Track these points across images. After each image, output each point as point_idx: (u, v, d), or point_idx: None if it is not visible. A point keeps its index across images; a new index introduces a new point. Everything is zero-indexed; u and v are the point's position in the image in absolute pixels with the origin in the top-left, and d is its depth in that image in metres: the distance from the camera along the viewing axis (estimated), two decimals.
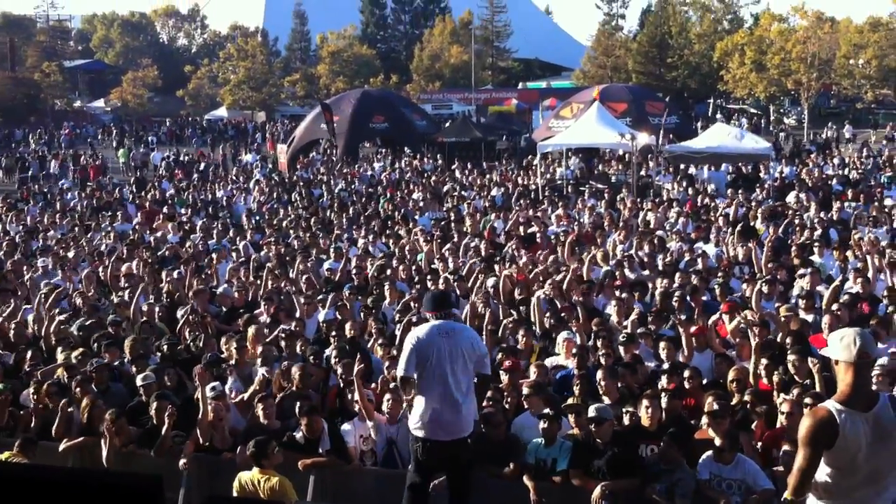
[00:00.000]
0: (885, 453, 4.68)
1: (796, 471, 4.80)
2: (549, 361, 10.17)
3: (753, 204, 21.30)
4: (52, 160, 43.46)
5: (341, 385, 9.58)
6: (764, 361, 9.03)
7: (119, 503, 2.04)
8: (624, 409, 8.27)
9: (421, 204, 24.11)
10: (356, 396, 8.77)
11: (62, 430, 8.92)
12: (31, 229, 22.24)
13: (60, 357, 10.42)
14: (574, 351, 9.91)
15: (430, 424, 7.01)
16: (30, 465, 8.00)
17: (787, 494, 4.85)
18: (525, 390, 8.69)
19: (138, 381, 9.42)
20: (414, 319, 10.30)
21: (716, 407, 7.90)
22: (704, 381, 9.26)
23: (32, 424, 9.19)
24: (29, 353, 10.78)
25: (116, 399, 9.44)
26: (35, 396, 9.49)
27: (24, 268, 16.37)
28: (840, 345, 4.75)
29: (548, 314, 11.52)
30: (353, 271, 15.11)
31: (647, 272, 14.31)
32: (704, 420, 8.09)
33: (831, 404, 4.76)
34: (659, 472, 7.58)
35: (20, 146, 54.51)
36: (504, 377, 9.29)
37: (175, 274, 14.55)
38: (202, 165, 41.07)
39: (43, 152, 47.81)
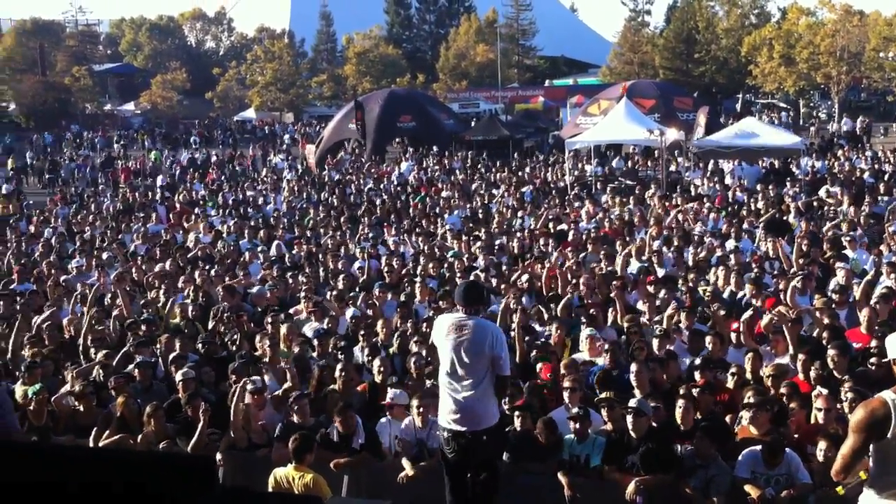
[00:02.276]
0: None
1: (841, 454, 4.79)
2: (573, 357, 10.17)
3: (786, 199, 21.13)
4: (84, 163, 43.91)
5: (374, 382, 9.66)
6: (801, 357, 8.97)
7: (174, 482, 2.08)
8: (653, 405, 8.25)
9: (450, 202, 24.14)
10: (388, 396, 8.85)
11: (99, 429, 9.02)
12: (65, 231, 22.46)
13: (97, 356, 10.53)
14: (599, 347, 9.91)
15: (445, 414, 7.02)
16: (87, 446, 8.15)
17: (832, 473, 4.91)
18: (567, 384, 8.67)
19: (177, 377, 9.50)
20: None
21: (754, 401, 7.87)
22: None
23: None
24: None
25: (157, 397, 9.53)
26: (72, 396, 9.61)
27: (55, 270, 16.55)
28: None
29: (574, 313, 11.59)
30: (385, 269, 15.20)
31: (675, 268, 14.29)
32: (743, 417, 8.04)
33: (888, 394, 4.73)
34: (694, 467, 7.55)
35: (51, 150, 55.02)
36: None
37: (207, 274, 14.68)
38: (233, 165, 41.36)
39: (74, 155, 48.29)
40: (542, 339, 10.81)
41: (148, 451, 3.97)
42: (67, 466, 2.22)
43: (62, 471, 2.21)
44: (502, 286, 13.37)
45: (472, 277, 13.31)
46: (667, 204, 21.23)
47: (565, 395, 8.64)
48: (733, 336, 10.31)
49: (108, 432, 8.92)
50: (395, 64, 74.48)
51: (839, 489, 5.15)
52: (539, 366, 9.65)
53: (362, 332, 11.20)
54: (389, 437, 8.62)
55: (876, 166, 28.52)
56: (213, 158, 43.74)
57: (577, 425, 7.98)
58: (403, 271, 15.13)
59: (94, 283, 14.76)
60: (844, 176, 25.56)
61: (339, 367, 9.65)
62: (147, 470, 2.23)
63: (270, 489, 7.37)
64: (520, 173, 31.45)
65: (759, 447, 7.41)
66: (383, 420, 8.80)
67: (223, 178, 36.05)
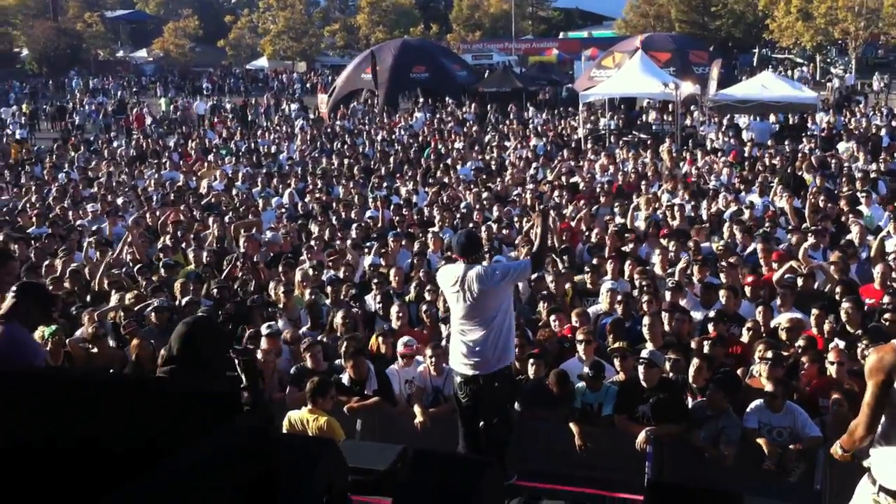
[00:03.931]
0: None
1: (863, 406, 4.79)
2: (592, 310, 10.21)
3: (801, 155, 21.01)
4: (96, 109, 43.87)
5: (386, 329, 9.73)
6: (815, 311, 8.99)
7: (203, 411, 2.12)
8: (666, 357, 8.29)
9: (462, 154, 24.07)
10: (399, 342, 8.93)
11: (115, 371, 9.12)
12: (82, 176, 22.52)
13: (114, 300, 10.61)
14: (619, 299, 9.94)
15: (457, 358, 7.09)
16: (117, 373, 8.25)
17: (854, 432, 4.87)
18: (580, 336, 8.73)
19: None
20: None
21: (769, 354, 7.89)
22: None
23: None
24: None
25: None
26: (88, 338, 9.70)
27: (71, 213, 16.62)
28: None
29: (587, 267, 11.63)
30: (396, 219, 15.24)
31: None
32: (755, 369, 8.09)
33: None
34: (704, 418, 7.60)
35: (64, 95, 54.97)
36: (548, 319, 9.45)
37: (221, 220, 14.74)
38: (245, 113, 41.28)
39: (86, 101, 48.24)
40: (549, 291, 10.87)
41: (174, 380, 3.98)
42: (95, 393, 2.26)
43: (89, 398, 2.24)
44: (515, 238, 13.42)
45: (482, 230, 13.35)
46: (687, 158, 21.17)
47: (579, 347, 8.65)
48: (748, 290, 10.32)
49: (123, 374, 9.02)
50: (409, 14, 73.81)
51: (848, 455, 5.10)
52: (553, 318, 9.68)
53: (375, 281, 11.25)
54: (400, 384, 8.71)
55: (893, 123, 28.27)
56: (228, 106, 43.68)
57: (592, 374, 8.05)
58: (416, 220, 15.17)
59: (102, 227, 14.89)
60: (860, 132, 25.36)
61: (340, 314, 9.69)
62: (173, 398, 2.27)
63: (285, 431, 7.46)
64: (532, 125, 31.31)
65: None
66: (393, 367, 8.88)
67: (236, 125, 36.00)
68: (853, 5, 52.37)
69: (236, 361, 5.01)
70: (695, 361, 8.05)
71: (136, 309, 10.28)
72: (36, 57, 71.64)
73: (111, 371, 9.03)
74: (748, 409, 7.58)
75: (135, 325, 9.77)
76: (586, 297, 10.95)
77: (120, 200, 17.54)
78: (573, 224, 13.95)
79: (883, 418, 4.77)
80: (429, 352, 8.67)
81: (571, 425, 7.88)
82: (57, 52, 69.70)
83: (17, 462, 2.14)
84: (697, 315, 9.88)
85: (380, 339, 9.47)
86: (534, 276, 10.84)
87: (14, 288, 6.06)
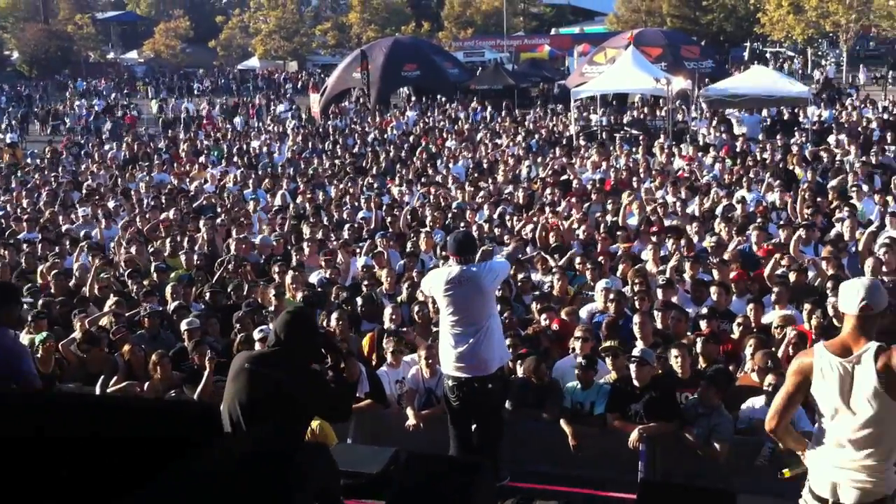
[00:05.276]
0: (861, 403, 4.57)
1: (777, 397, 4.95)
2: (586, 308, 10.21)
3: (794, 149, 21.03)
4: (88, 111, 43.77)
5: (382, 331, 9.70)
6: (807, 306, 8.99)
7: (178, 429, 2.10)
8: (657, 354, 8.29)
9: (455, 152, 24.05)
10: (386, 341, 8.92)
11: (107, 377, 9.08)
12: (72, 180, 22.45)
13: (108, 305, 10.58)
14: (611, 297, 9.94)
15: (449, 362, 7.06)
16: (85, 393, 8.22)
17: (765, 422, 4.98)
18: (578, 333, 8.71)
19: (182, 326, 9.55)
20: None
21: (761, 353, 7.90)
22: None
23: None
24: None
25: (164, 346, 9.59)
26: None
27: (61, 218, 16.57)
28: (845, 295, 4.67)
29: (579, 260, 11.62)
30: (388, 220, 15.22)
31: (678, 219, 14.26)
32: (747, 366, 8.09)
33: (819, 346, 4.75)
34: (697, 415, 7.60)
35: (54, 98, 54.85)
36: (539, 318, 9.44)
37: (212, 223, 14.70)
38: (237, 114, 41.21)
39: (77, 104, 48.14)
40: (543, 290, 10.87)
41: (148, 398, 4.19)
42: (64, 415, 2.23)
43: (59, 419, 2.22)
44: (506, 237, 13.41)
45: (474, 229, 13.34)
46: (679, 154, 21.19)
47: (577, 344, 8.59)
48: (735, 286, 10.33)
49: (114, 380, 9.00)
50: (400, 12, 73.70)
51: (786, 472, 5.16)
52: (544, 316, 9.67)
53: (365, 283, 11.22)
54: (390, 385, 8.69)
55: (885, 116, 28.32)
56: (217, 108, 43.60)
57: (582, 371, 8.04)
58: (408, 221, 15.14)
59: (93, 232, 14.86)
60: (851, 125, 25.39)
61: (334, 315, 9.65)
62: (147, 417, 2.24)
63: None
64: (525, 123, 31.31)
65: (762, 396, 7.47)
66: (383, 368, 8.85)
67: (227, 127, 35.94)
68: None
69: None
70: (674, 352, 8.07)
71: (126, 315, 10.27)
72: (26, 59, 71.47)
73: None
74: (743, 407, 7.59)
75: (125, 330, 9.76)
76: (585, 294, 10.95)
77: (111, 204, 17.48)
78: (565, 222, 13.94)
79: (815, 426, 4.86)
80: (423, 352, 8.64)
81: (564, 425, 7.85)
82: (48, 55, 69.55)
83: None
84: (689, 311, 9.89)
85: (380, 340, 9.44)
86: (521, 276, 10.91)
87: None
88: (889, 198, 14.63)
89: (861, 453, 4.60)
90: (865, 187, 15.44)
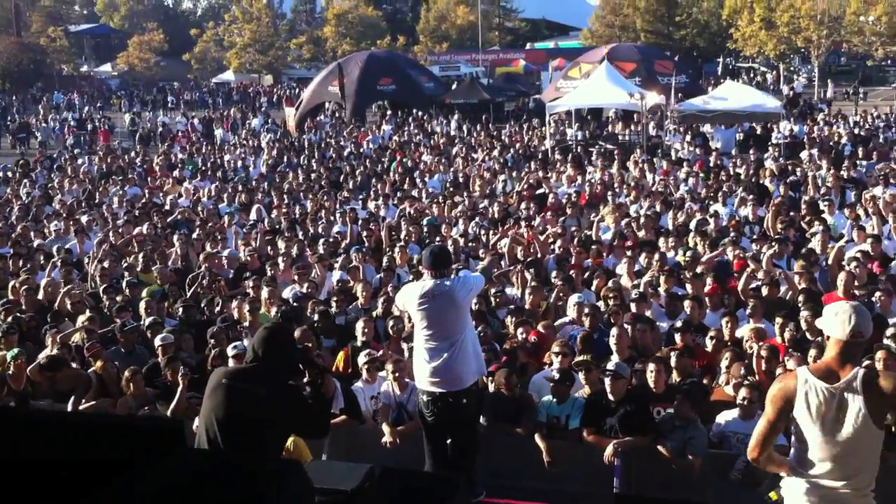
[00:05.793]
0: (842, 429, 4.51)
1: (755, 429, 4.79)
2: (559, 322, 10.22)
3: (766, 163, 21.21)
4: (61, 125, 43.47)
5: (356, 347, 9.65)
6: (779, 320, 9.05)
7: (143, 444, 2.09)
8: (632, 368, 8.30)
9: (430, 166, 24.06)
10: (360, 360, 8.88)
11: (79, 394, 8.99)
12: (43, 194, 22.24)
13: (81, 321, 10.48)
14: (586, 312, 9.95)
15: (424, 377, 7.04)
16: (58, 410, 8.14)
17: (748, 452, 4.86)
18: (556, 348, 8.70)
19: (157, 342, 9.47)
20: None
21: (735, 367, 7.95)
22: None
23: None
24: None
25: (139, 362, 9.51)
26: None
27: (33, 233, 16.39)
28: (834, 320, 4.56)
29: (554, 274, 11.64)
30: (364, 234, 15.18)
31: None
32: (721, 379, 8.13)
33: (803, 370, 4.69)
34: (672, 429, 7.62)
35: (26, 111, 54.43)
36: (515, 332, 9.45)
37: (186, 238, 14.62)
38: (216, 129, 41.09)
39: (49, 118, 47.79)
40: (516, 304, 10.88)
41: (114, 415, 4.17)
42: (28, 432, 2.22)
43: (24, 437, 2.20)
44: (481, 251, 13.41)
45: (450, 244, 13.34)
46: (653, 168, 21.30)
47: (555, 359, 8.55)
48: (709, 300, 10.40)
49: (87, 397, 8.91)
50: (375, 26, 73.73)
51: (772, 494, 5.07)
52: (520, 330, 9.66)
53: (335, 298, 11.16)
54: (365, 401, 8.65)
55: (855, 131, 28.64)
56: (194, 121, 43.44)
57: (557, 385, 8.03)
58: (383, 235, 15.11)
59: (72, 247, 14.70)
60: (822, 140, 25.66)
61: (297, 331, 9.53)
62: (112, 434, 2.23)
63: None
64: (501, 137, 31.40)
65: (735, 409, 7.51)
66: (358, 383, 8.81)
67: (201, 140, 35.79)
68: (815, 14, 52.98)
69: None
70: (651, 367, 8.09)
71: (100, 332, 10.18)
72: None
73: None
74: (721, 422, 7.62)
75: (98, 346, 9.68)
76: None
77: (84, 219, 17.32)
78: (540, 236, 13.96)
79: (792, 450, 4.77)
80: (390, 367, 8.61)
81: (538, 440, 7.85)
82: (20, 67, 69.02)
83: None
84: (663, 325, 9.94)
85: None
86: (493, 291, 10.92)
87: None
88: (860, 211, 14.79)
89: (843, 480, 4.54)
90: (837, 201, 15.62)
